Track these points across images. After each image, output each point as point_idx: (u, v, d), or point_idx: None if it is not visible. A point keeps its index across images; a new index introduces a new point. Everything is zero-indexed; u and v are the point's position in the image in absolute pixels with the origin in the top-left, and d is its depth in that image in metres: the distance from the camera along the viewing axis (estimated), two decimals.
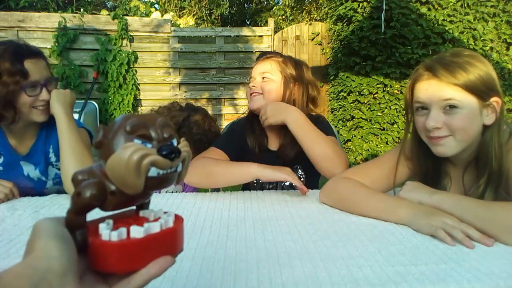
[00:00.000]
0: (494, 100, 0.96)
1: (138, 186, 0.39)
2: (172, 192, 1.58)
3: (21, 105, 1.23)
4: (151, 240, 0.40)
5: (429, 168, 1.09)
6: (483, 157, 0.98)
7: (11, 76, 1.19)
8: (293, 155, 1.36)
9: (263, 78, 1.40)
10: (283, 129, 1.40)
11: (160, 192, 1.47)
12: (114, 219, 0.43)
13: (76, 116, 2.52)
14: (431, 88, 0.97)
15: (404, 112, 1.12)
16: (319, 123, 1.36)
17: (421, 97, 0.99)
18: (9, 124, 1.28)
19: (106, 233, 0.39)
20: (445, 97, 0.95)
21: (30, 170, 1.36)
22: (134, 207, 0.46)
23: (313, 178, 1.44)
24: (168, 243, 0.42)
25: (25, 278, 0.33)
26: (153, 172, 0.39)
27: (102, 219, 0.43)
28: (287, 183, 1.40)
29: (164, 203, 1.13)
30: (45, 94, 1.26)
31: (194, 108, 1.61)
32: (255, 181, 1.44)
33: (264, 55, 1.46)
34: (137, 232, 0.40)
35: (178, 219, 0.44)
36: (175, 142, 0.43)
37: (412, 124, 1.07)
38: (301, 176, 1.40)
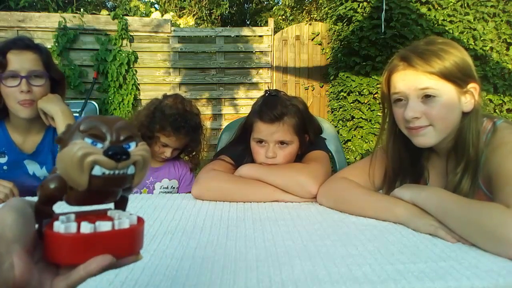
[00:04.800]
0: (472, 86, 0.95)
1: (81, 183, 0.40)
2: (171, 192, 1.59)
3: (4, 96, 1.25)
4: (97, 238, 0.41)
5: (405, 161, 1.07)
6: (461, 145, 0.96)
7: None
8: None
9: (280, 142, 1.24)
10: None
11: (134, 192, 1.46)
12: (79, 215, 0.44)
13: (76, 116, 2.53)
14: (408, 78, 0.96)
15: (381, 105, 1.10)
16: (315, 144, 1.33)
17: (398, 88, 0.97)
18: (4, 117, 1.31)
19: (57, 224, 0.40)
20: (422, 86, 0.94)
21: (35, 169, 1.36)
22: (111, 206, 0.47)
23: None
24: (118, 244, 0.42)
25: None
26: (97, 171, 0.40)
27: (68, 214, 0.44)
28: None
29: (164, 204, 1.13)
30: (24, 85, 1.23)
31: (168, 95, 1.62)
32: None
33: (271, 111, 1.22)
34: (86, 228, 0.40)
35: (139, 222, 0.44)
36: (133, 145, 0.43)
37: (389, 117, 1.06)
38: None
